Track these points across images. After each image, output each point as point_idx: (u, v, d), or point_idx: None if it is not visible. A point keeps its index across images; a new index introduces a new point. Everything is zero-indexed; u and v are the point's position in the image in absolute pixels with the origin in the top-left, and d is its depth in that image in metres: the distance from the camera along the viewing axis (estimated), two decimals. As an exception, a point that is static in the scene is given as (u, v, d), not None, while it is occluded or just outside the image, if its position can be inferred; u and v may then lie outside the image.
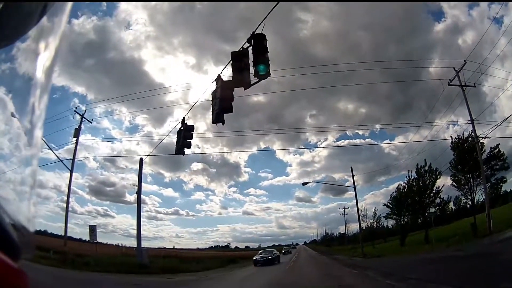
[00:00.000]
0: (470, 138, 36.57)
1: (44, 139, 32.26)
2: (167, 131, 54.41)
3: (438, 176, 43.75)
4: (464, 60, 32.23)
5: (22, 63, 1.35)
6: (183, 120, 16.67)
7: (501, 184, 39.53)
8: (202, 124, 59.85)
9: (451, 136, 41.22)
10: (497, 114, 51.55)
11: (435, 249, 30.15)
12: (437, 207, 45.28)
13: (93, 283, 19.19)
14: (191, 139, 16.42)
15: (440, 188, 43.95)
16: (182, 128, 16.45)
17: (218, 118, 12.23)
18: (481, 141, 34.34)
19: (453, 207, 57.23)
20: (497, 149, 38.11)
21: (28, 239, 1.26)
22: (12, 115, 1.29)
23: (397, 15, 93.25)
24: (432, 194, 44.33)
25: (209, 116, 12.76)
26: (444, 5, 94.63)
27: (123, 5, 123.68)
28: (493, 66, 35.33)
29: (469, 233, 32.04)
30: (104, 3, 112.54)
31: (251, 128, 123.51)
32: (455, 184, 40.14)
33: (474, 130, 33.29)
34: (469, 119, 32.81)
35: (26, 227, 1.26)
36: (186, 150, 16.10)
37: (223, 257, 53.03)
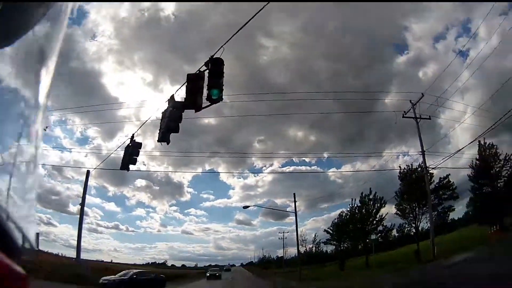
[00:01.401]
0: (419, 169, 37.55)
1: None
2: (116, 146, 53.52)
3: (383, 205, 44.67)
4: (422, 93, 33.31)
5: (22, 63, 1.35)
6: (132, 136, 16.51)
7: (448, 212, 41.34)
8: (150, 142, 59.63)
9: (399, 167, 42.40)
10: (451, 145, 53.15)
11: (374, 275, 30.68)
12: (379, 234, 47.48)
13: None
14: (138, 156, 16.27)
15: (384, 216, 44.98)
16: (130, 144, 16.28)
17: (163, 137, 12.18)
18: (430, 171, 35.43)
19: (396, 234, 58.31)
20: (447, 179, 39.43)
21: (29, 241, 1.27)
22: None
23: (360, 46, 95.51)
24: (374, 222, 45.19)
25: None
26: (409, 37, 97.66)
27: (92, 15, 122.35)
28: (452, 99, 37.15)
29: (413, 259, 32.84)
30: (76, 11, 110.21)
31: (198, 149, 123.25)
32: (399, 213, 41.32)
33: (424, 161, 33.99)
34: (421, 150, 33.66)
35: (27, 228, 1.27)
36: (131, 167, 15.96)
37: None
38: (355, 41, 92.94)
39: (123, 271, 35.61)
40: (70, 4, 1.53)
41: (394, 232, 54.98)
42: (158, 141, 12.32)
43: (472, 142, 35.90)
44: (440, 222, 42.01)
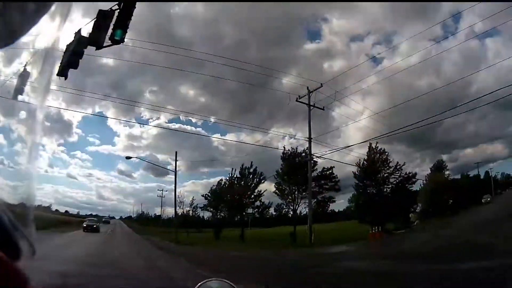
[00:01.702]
0: (304, 154, 38.37)
1: None
2: (12, 73, 47.83)
3: (262, 181, 44.95)
4: (321, 84, 33.85)
5: (22, 63, 1.37)
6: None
7: (328, 203, 42.36)
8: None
9: (284, 147, 42.83)
10: (341, 139, 56.80)
11: (250, 249, 31.07)
12: (256, 209, 47.24)
13: None
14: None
15: (262, 192, 45.23)
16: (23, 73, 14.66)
17: (62, 72, 11.86)
18: (314, 159, 36.17)
19: (274, 213, 59.19)
20: (331, 171, 40.45)
21: (29, 239, 1.24)
22: None
23: (274, 20, 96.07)
24: (252, 196, 45.27)
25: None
26: (326, 29, 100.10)
27: None
28: (351, 97, 39.03)
29: (288, 240, 33.54)
30: None
31: (91, 90, 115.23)
32: (278, 192, 41.92)
33: (310, 148, 34.71)
34: (307, 136, 34.44)
35: (26, 227, 1.26)
36: (20, 97, 14.81)
37: (46, 220, 49.24)
38: (270, 14, 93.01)
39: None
40: (70, 4, 1.54)
41: (272, 211, 55.91)
42: (57, 74, 11.81)
43: (364, 142, 38.71)
44: (319, 211, 42.21)
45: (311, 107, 34.32)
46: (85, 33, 11.91)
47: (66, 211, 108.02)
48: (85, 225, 49.98)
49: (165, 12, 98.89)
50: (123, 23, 10.91)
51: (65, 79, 12.11)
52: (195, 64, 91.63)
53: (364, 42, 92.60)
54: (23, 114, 1.48)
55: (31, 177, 1.42)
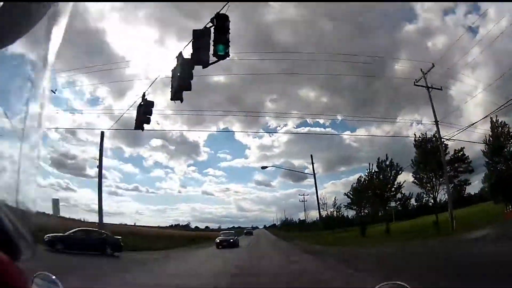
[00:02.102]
0: (434, 139, 36.95)
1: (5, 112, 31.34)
2: (128, 105, 53.29)
3: (400, 172, 43.69)
4: (432, 63, 32.71)
5: (22, 62, 1.41)
6: (143, 95, 16.58)
7: (464, 186, 41.08)
8: (162, 101, 58.83)
9: (414, 134, 41.51)
10: (463, 118, 52.66)
11: (396, 243, 30.10)
12: (398, 202, 46.53)
13: (54, 260, 18.66)
14: (151, 114, 16.40)
15: (401, 183, 44.05)
16: (142, 103, 16.37)
17: (176, 95, 12.35)
18: (445, 142, 34.90)
19: (415, 204, 57.72)
20: (462, 152, 38.85)
21: (28, 239, 1.27)
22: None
23: (366, 9, 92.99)
24: (393, 189, 44.28)
25: (169, 92, 12.78)
26: (418, 7, 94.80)
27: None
28: (462, 73, 36.05)
29: (432, 230, 32.21)
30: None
31: (211, 108, 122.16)
32: (416, 182, 40.57)
33: (438, 131, 33.48)
34: (434, 120, 33.10)
35: (26, 227, 1.28)
36: (145, 126, 16.11)
37: (185, 236, 51.78)
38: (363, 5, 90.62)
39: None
40: (70, 4, 1.53)
41: (413, 202, 54.77)
42: (171, 99, 12.49)
43: (484, 118, 35.36)
44: (456, 196, 40.75)
45: (430, 89, 32.84)
46: (186, 55, 12.48)
47: (207, 227, 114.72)
48: (218, 241, 39.26)
49: (260, 21, 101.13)
50: (222, 38, 11.11)
51: (181, 102, 12.64)
52: (305, 67, 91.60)
53: (456, 14, 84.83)
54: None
55: (32, 180, 1.40)
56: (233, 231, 50.11)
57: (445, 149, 35.59)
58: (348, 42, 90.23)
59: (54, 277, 2.00)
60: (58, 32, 1.43)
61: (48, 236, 24.53)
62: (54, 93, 37.47)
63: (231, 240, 39.79)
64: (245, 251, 33.49)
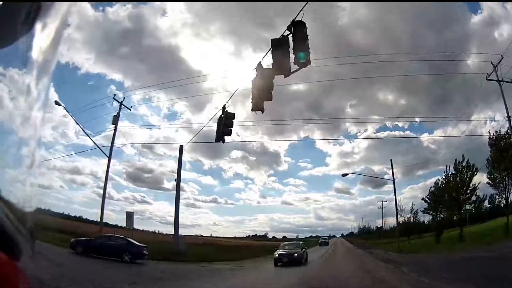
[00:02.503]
0: (506, 135, 35.42)
1: (81, 125, 34.14)
2: (207, 118, 54.74)
3: (475, 173, 42.19)
4: (501, 55, 31.61)
5: (22, 62, 1.38)
6: (224, 107, 16.69)
7: None
8: (242, 112, 59.67)
9: (489, 132, 39.64)
10: None
11: (469, 248, 29.47)
12: (473, 205, 44.13)
13: (125, 269, 19.55)
14: (232, 126, 16.50)
15: (476, 185, 42.46)
16: (222, 115, 16.50)
17: (257, 106, 12.27)
18: None
19: (488, 206, 55.44)
20: None
21: (28, 239, 1.27)
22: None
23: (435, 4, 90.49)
24: (468, 191, 42.80)
25: (249, 103, 12.80)
26: None
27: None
28: None
29: (502, 233, 31.50)
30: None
31: (291, 117, 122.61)
32: (490, 182, 39.07)
33: (510, 127, 32.34)
34: (506, 115, 32.00)
35: (27, 227, 1.28)
36: (226, 138, 16.26)
37: (260, 247, 51.68)
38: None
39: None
40: (70, 4, 1.58)
41: (486, 203, 52.71)
42: (252, 110, 12.40)
43: None
44: None
45: (502, 83, 31.75)
46: (265, 65, 12.48)
47: (284, 237, 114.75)
48: (276, 256, 29.28)
49: (334, 24, 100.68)
50: (302, 45, 11.03)
51: (262, 112, 12.48)
52: (382, 69, 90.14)
53: None
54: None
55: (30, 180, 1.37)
56: (300, 242, 36.93)
57: None
58: (420, 40, 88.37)
59: None
60: (58, 32, 1.44)
61: (74, 240, 25.18)
62: (130, 110, 39.00)
63: (295, 255, 29.24)
64: (320, 262, 32.31)
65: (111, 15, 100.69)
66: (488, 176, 39.32)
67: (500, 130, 37.49)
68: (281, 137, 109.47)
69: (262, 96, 12.13)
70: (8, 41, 1.29)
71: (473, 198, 43.88)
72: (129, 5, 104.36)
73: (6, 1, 1.24)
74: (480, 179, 42.37)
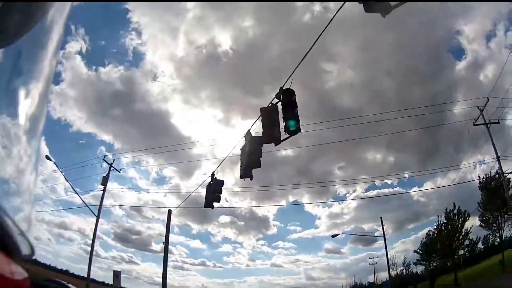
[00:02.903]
0: (497, 176, 36.48)
1: (70, 182, 34.49)
2: (195, 184, 55.05)
3: (467, 218, 43.45)
4: (487, 97, 32.51)
5: (22, 63, 1.35)
6: (213, 174, 16.74)
7: None
8: (231, 178, 60.09)
9: (478, 176, 40.84)
10: None
11: None
12: (466, 249, 45.98)
13: None
14: (221, 193, 16.42)
15: (469, 229, 43.80)
16: (211, 182, 16.50)
17: (246, 173, 12.20)
18: (507, 176, 33.98)
19: (482, 247, 55.32)
20: None
21: (29, 241, 1.28)
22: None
23: (420, 56, 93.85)
24: (461, 237, 44.06)
25: (238, 169, 12.71)
26: (464, 41, 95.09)
27: (149, 56, 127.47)
28: None
29: (498, 270, 32.41)
30: (131, 53, 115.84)
31: (279, 181, 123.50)
32: (483, 225, 40.68)
33: (500, 167, 32.73)
34: (495, 156, 32.38)
35: (27, 229, 1.28)
36: (215, 204, 16.13)
37: None
38: (412, 53, 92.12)
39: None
40: (70, 4, 1.54)
41: (480, 245, 52.97)
42: (240, 177, 12.36)
43: None
44: None
45: (489, 125, 32.43)
46: (253, 133, 12.45)
47: None
48: None
49: (319, 88, 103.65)
50: (292, 113, 10.99)
51: (251, 179, 12.39)
52: (370, 128, 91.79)
53: (497, 36, 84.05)
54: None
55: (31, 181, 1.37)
56: None
57: (508, 183, 35.00)
58: (404, 95, 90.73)
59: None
60: (58, 32, 1.44)
61: None
62: (119, 172, 39.54)
63: None
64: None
65: (104, 75, 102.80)
66: (480, 218, 40.96)
67: (490, 172, 39.08)
68: (269, 201, 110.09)
69: (250, 164, 12.05)
70: (8, 41, 1.26)
71: (466, 242, 45.49)
72: (121, 67, 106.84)
73: (6, 1, 1.21)
74: (472, 223, 43.66)
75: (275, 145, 11.43)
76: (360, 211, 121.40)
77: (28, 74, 1.37)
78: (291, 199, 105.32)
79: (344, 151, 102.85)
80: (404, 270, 59.00)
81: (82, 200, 35.36)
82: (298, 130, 11.00)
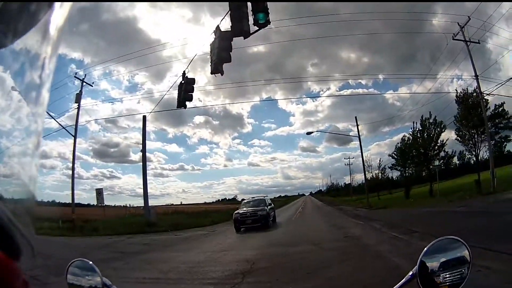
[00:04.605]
0: (474, 94, 36.14)
1: (47, 112, 31.88)
2: (168, 87, 53.80)
3: (443, 129, 43.12)
4: (468, 16, 31.93)
5: (22, 63, 1.32)
6: (184, 73, 16.50)
7: (505, 143, 39.66)
8: (203, 77, 58.97)
9: (456, 90, 40.38)
10: (502, 73, 50.60)
11: (439, 203, 29.96)
12: (442, 161, 44.93)
13: (101, 248, 19.03)
14: (193, 92, 16.37)
15: (444, 141, 43.43)
16: (182, 81, 16.33)
17: (217, 68, 12.24)
18: (485, 97, 34.11)
19: (457, 162, 56.34)
20: (502, 107, 37.70)
21: (29, 240, 1.20)
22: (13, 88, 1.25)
23: None
24: (436, 147, 43.70)
25: (209, 68, 12.69)
26: None
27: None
28: (498, 25, 35.12)
29: (474, 189, 32.04)
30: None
31: (252, 79, 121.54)
32: (459, 139, 39.99)
33: (478, 86, 32.95)
34: (474, 74, 32.53)
35: (27, 227, 1.21)
36: (188, 104, 16.18)
37: (230, 210, 52.85)
38: None
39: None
40: (70, 4, 1.44)
41: (456, 160, 53.03)
42: (211, 73, 12.38)
43: None
44: (497, 153, 39.63)
45: (468, 43, 32.20)
46: (223, 28, 12.28)
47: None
48: (237, 217, 25.00)
49: None
50: (261, 6, 10.87)
51: (222, 74, 12.52)
52: (345, 27, 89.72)
53: None
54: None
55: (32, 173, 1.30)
56: (266, 197, 31.51)
57: (486, 104, 34.86)
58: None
59: (91, 262, 1.97)
60: (58, 32, 1.35)
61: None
62: (91, 86, 38.40)
63: (260, 214, 24.81)
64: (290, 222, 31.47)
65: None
66: (457, 133, 40.37)
67: (467, 89, 38.35)
68: (243, 99, 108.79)
69: (221, 59, 12.05)
70: (8, 41, 1.22)
71: (442, 154, 44.83)
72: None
73: (6, 1, 1.17)
74: (448, 135, 43.59)
75: (244, 38, 11.43)
76: (334, 110, 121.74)
77: (28, 74, 1.30)
78: (264, 96, 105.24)
79: (318, 49, 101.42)
80: (380, 174, 59.62)
81: (57, 121, 34.61)
82: (267, 23, 10.95)
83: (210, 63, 12.47)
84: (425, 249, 1.67)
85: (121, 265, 12.84)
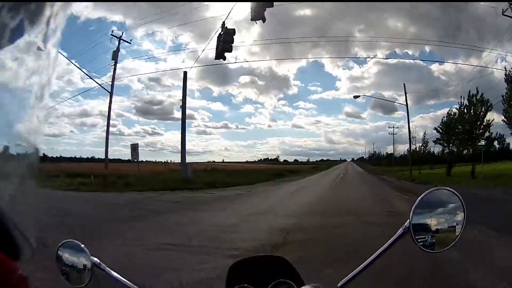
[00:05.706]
0: None
1: (79, 67, 37.55)
2: (213, 46, 52.98)
3: (490, 109, 41.20)
4: None
5: (22, 64, 1.34)
6: (223, 24, 15.63)
7: None
8: (249, 37, 57.87)
9: (505, 68, 37.91)
10: None
11: (484, 186, 28.09)
12: (486, 142, 42.76)
13: (128, 204, 18.60)
14: (232, 42, 15.57)
15: (490, 121, 41.60)
16: (221, 32, 15.57)
17: (259, 14, 11.46)
18: None
19: (498, 146, 54.49)
20: None
21: (29, 239, 1.24)
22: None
23: None
24: (482, 126, 42.00)
25: (254, 29, 11.77)
26: None
27: None
28: None
29: None
30: None
31: (298, 41, 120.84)
32: (505, 121, 38.29)
33: None
34: None
35: (27, 227, 1.24)
36: (233, 62, 15.64)
37: (271, 170, 51.84)
38: None
39: None
40: (70, 4, 1.56)
41: (496, 144, 51.43)
42: (252, 19, 11.75)
43: None
44: None
45: None
46: None
47: (295, 160, 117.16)
48: None
49: None
50: None
51: (264, 21, 11.62)
52: None
53: None
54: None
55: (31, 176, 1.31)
56: None
57: None
58: None
59: (82, 245, 1.82)
60: (58, 32, 1.38)
61: None
62: (129, 43, 41.14)
63: None
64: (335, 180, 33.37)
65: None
66: (504, 113, 38.41)
67: None
68: (289, 60, 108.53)
69: (262, 2, 10.98)
70: (8, 41, 1.24)
71: (487, 134, 42.99)
72: None
73: (6, 1, 1.20)
74: (492, 117, 41.77)
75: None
76: (380, 77, 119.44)
77: (28, 76, 1.35)
78: (310, 57, 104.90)
79: (364, 15, 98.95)
80: (422, 147, 58.75)
81: (94, 80, 37.10)
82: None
83: (250, 9, 11.59)
84: (417, 201, 1.53)
85: (141, 227, 12.29)
